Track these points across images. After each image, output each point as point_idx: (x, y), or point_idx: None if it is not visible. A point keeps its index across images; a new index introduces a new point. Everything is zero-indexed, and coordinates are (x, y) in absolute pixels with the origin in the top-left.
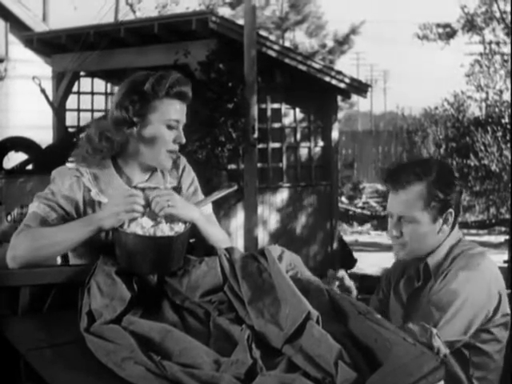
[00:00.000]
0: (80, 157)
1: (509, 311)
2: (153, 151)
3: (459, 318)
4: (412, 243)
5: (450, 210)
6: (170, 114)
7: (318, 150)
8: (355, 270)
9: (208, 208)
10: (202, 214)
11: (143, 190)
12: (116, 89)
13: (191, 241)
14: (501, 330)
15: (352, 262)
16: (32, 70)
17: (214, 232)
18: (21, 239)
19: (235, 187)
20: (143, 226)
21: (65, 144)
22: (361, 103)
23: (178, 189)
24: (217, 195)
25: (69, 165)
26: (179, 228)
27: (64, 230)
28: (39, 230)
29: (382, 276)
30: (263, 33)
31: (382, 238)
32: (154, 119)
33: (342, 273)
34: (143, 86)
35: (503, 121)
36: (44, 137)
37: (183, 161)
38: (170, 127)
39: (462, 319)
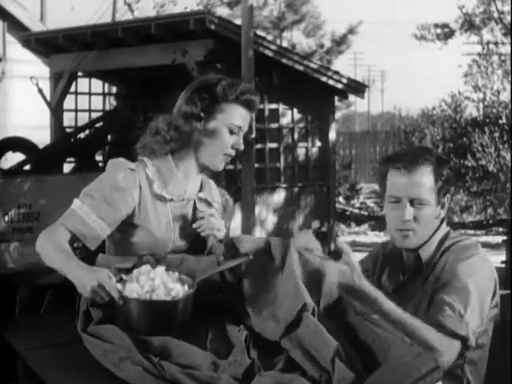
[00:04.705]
0: (148, 148)
1: (499, 300)
2: (211, 149)
3: (476, 309)
4: (423, 228)
5: (448, 194)
6: (235, 119)
7: (315, 150)
8: None
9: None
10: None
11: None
12: (114, 89)
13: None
14: (490, 322)
15: None
16: (29, 70)
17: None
18: (43, 240)
19: (250, 257)
20: (139, 290)
21: (62, 144)
22: (358, 103)
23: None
24: (227, 266)
25: (121, 159)
26: (176, 293)
27: (59, 262)
28: (54, 247)
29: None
30: (261, 32)
31: (380, 238)
32: (219, 119)
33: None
34: (215, 87)
35: (500, 121)
36: (41, 137)
37: (230, 201)
38: (231, 132)
39: (477, 311)
